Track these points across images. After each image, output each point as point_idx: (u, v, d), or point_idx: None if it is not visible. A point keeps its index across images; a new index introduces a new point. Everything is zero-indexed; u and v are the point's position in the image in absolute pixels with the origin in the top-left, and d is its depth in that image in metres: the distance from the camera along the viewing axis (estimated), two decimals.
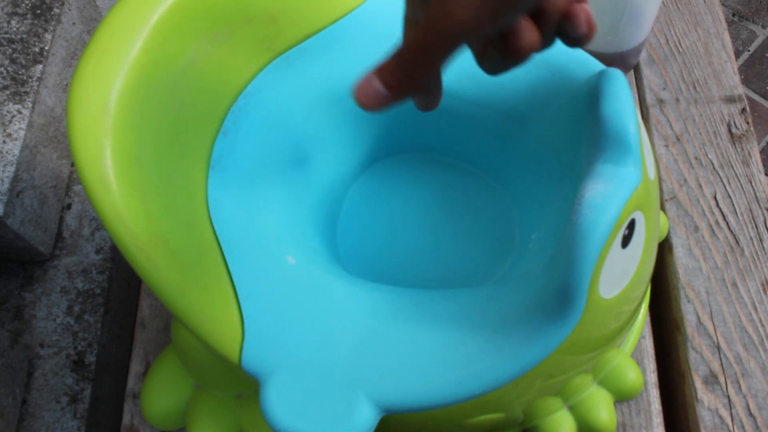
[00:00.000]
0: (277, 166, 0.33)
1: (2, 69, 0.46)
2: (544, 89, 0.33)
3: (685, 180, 0.46)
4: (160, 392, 0.38)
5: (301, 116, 0.34)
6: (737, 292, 0.42)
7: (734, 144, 0.47)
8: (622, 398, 0.38)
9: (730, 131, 0.47)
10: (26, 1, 0.48)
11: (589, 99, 0.29)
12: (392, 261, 0.39)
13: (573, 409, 0.36)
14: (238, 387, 0.37)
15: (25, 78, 0.46)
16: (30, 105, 0.45)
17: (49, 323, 0.46)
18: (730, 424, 0.39)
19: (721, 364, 0.40)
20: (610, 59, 0.46)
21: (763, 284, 0.42)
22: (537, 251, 0.35)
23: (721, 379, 0.40)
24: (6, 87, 0.46)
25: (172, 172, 0.27)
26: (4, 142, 0.44)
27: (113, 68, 0.25)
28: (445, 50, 0.19)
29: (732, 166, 0.46)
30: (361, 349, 0.27)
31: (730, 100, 0.49)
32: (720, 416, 0.39)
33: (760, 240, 0.44)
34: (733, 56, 0.50)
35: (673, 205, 0.45)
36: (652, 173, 0.30)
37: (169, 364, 0.38)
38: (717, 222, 0.44)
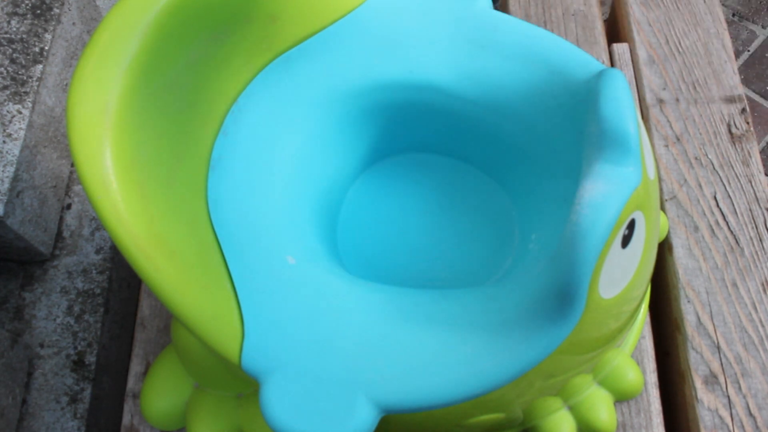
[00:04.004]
0: (277, 166, 0.33)
1: (2, 69, 0.46)
2: (544, 89, 0.33)
3: (685, 180, 0.46)
4: (160, 392, 0.38)
5: (301, 116, 0.34)
6: (737, 292, 0.42)
7: (734, 144, 0.47)
8: (622, 398, 0.38)
9: (730, 131, 0.47)
10: (26, 1, 0.48)
11: (588, 99, 0.29)
12: (392, 261, 0.39)
13: (573, 409, 0.36)
14: (238, 387, 0.37)
15: (25, 78, 0.46)
16: (30, 105, 0.45)
17: (49, 323, 0.46)
18: (730, 424, 0.39)
19: (721, 364, 0.40)
20: None
21: (763, 284, 0.42)
22: (537, 251, 0.35)
23: (721, 379, 0.40)
24: (6, 87, 0.46)
25: (172, 172, 0.27)
26: (4, 142, 0.44)
27: (113, 68, 0.25)
28: None
29: (732, 166, 0.46)
30: (360, 349, 0.27)
31: (730, 100, 0.49)
32: (720, 416, 0.39)
33: (760, 240, 0.44)
34: (733, 56, 0.50)
35: (673, 205, 0.45)
36: (652, 173, 0.30)
37: (169, 364, 0.38)
38: (717, 222, 0.44)
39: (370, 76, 0.34)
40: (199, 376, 0.37)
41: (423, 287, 0.32)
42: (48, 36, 0.48)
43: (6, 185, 0.43)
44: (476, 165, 0.41)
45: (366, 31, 0.33)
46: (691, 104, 0.48)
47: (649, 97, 0.49)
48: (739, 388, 0.39)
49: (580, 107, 0.30)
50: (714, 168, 0.46)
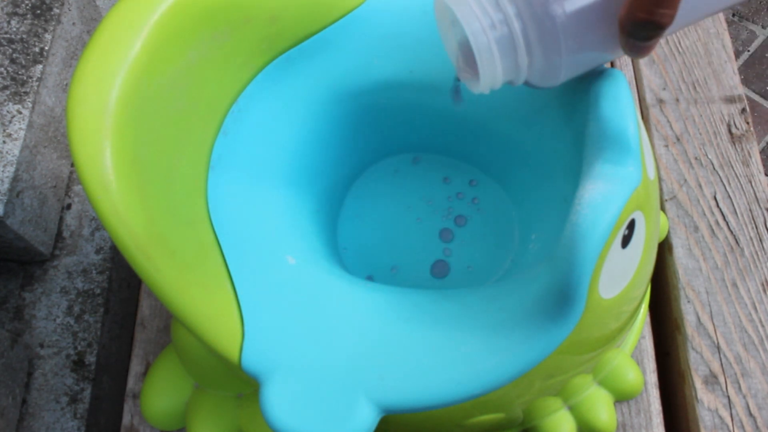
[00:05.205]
0: (277, 166, 0.33)
1: (2, 69, 0.46)
2: (544, 89, 0.32)
3: (685, 180, 0.46)
4: (160, 392, 0.38)
5: (301, 116, 0.34)
6: (737, 292, 0.42)
7: (734, 144, 0.47)
8: (622, 398, 0.38)
9: (730, 131, 0.47)
10: (26, 1, 0.48)
11: (589, 99, 0.29)
12: (392, 261, 0.39)
13: (573, 409, 0.36)
14: (238, 387, 0.37)
15: (25, 78, 0.46)
16: (30, 105, 0.45)
17: (49, 323, 0.46)
18: (730, 424, 0.39)
19: (721, 364, 0.40)
20: None
21: (763, 284, 0.42)
22: (537, 251, 0.35)
23: (721, 379, 0.40)
24: (6, 87, 0.46)
25: (172, 173, 0.27)
26: (4, 142, 0.44)
27: (113, 68, 0.25)
28: None
29: (732, 166, 0.46)
30: (361, 349, 0.27)
31: (730, 100, 0.49)
32: (720, 416, 0.39)
33: (760, 240, 0.44)
34: (733, 56, 0.50)
35: (673, 205, 0.45)
36: (652, 173, 0.30)
37: (169, 364, 0.38)
38: (717, 222, 0.44)
39: (370, 76, 0.34)
40: (199, 376, 0.37)
41: (423, 287, 0.32)
42: (48, 36, 0.48)
43: (6, 185, 0.43)
44: (476, 165, 0.41)
45: (366, 31, 0.33)
46: (691, 104, 0.48)
47: (649, 97, 0.49)
48: (739, 388, 0.39)
49: (580, 107, 0.30)
50: (714, 168, 0.46)
